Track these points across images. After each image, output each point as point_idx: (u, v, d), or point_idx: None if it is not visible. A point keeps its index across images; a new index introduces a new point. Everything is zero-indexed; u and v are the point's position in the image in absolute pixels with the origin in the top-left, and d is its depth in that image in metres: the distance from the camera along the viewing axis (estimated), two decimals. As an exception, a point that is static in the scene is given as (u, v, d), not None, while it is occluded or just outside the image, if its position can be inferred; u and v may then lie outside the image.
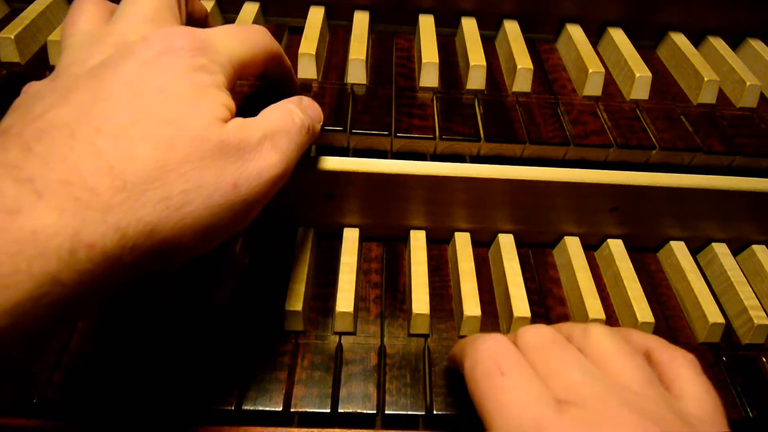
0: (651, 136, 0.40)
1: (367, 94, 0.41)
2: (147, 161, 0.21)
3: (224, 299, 0.36)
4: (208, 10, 0.37)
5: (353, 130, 0.37)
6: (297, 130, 0.27)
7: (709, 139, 0.40)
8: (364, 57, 0.41)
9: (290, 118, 0.27)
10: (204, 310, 0.36)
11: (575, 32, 0.47)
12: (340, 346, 0.36)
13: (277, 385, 0.33)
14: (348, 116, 0.38)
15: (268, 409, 0.32)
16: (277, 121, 0.26)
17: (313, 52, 0.40)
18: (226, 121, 0.24)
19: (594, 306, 0.38)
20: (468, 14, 0.48)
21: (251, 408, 0.32)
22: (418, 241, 0.41)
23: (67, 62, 0.25)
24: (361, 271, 0.41)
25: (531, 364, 0.26)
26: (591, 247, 0.44)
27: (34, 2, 0.44)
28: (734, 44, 0.50)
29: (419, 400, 0.33)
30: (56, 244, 0.18)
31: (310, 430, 0.32)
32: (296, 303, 0.35)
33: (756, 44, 0.49)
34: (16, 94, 0.24)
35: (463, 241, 0.41)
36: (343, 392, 0.33)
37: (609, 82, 0.45)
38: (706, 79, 0.43)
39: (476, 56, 0.42)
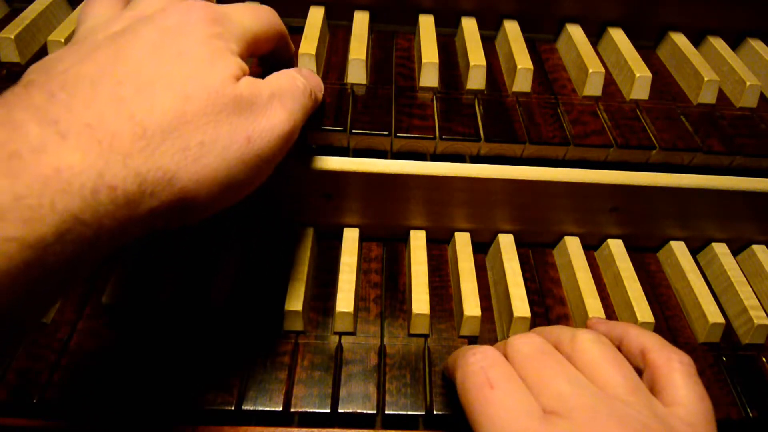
0: (651, 136, 0.40)
1: (367, 94, 0.41)
2: (166, 112, 0.22)
3: (224, 299, 0.36)
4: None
5: (353, 130, 0.37)
6: (301, 93, 0.28)
7: (709, 139, 0.40)
8: (364, 57, 0.41)
9: (294, 81, 0.28)
10: (204, 310, 0.36)
11: (575, 32, 0.47)
12: (340, 346, 0.36)
13: (277, 385, 0.33)
14: (348, 116, 0.38)
15: (268, 409, 0.32)
16: (283, 82, 0.28)
17: (313, 52, 0.40)
18: (238, 79, 0.25)
19: (594, 306, 0.38)
20: (468, 14, 0.48)
21: (251, 408, 0.32)
22: (418, 241, 0.41)
23: (85, 33, 0.26)
24: (361, 271, 0.41)
25: (520, 373, 0.27)
26: (591, 247, 0.44)
27: (34, 2, 0.44)
28: (734, 44, 0.50)
29: (419, 400, 0.33)
30: (80, 184, 0.19)
31: (310, 430, 0.32)
32: (296, 303, 0.35)
33: (756, 44, 0.49)
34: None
35: (463, 241, 0.41)
36: (343, 392, 0.33)
37: (609, 82, 0.45)
38: (706, 79, 0.43)
39: (476, 56, 0.42)
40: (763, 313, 0.38)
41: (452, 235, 0.42)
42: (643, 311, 0.37)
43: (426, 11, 0.48)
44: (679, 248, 0.42)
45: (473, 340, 0.37)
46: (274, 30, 0.30)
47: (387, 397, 0.33)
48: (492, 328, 0.39)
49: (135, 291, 0.36)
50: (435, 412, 0.33)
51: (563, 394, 0.25)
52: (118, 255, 0.38)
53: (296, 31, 0.42)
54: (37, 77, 0.22)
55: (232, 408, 0.32)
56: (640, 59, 0.44)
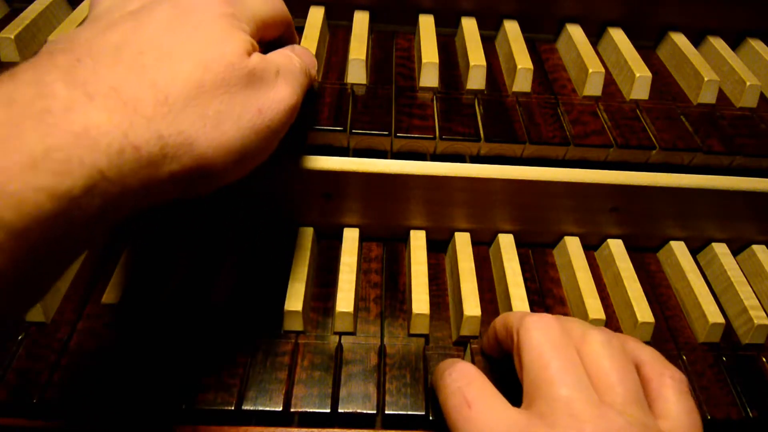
0: (651, 136, 0.40)
1: (367, 94, 0.41)
2: (187, 80, 0.23)
3: (224, 299, 0.36)
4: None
5: (353, 130, 0.37)
6: (298, 71, 0.30)
7: (709, 139, 0.40)
8: (364, 57, 0.41)
9: (291, 60, 0.30)
10: (204, 309, 0.36)
11: (575, 32, 0.47)
12: (340, 346, 0.36)
13: (277, 385, 0.33)
14: (348, 116, 0.38)
15: (268, 409, 0.32)
16: (282, 60, 0.29)
17: (313, 52, 0.40)
18: (250, 54, 0.26)
19: (594, 306, 0.38)
20: (468, 14, 0.48)
21: (251, 408, 0.32)
22: (418, 241, 0.41)
23: (100, 12, 0.26)
24: (361, 271, 0.41)
25: (523, 357, 0.27)
26: (591, 247, 0.44)
27: (34, 2, 0.44)
28: (734, 44, 0.50)
29: (419, 400, 0.33)
30: (107, 142, 0.20)
31: (310, 430, 0.32)
32: (296, 303, 0.35)
33: (756, 44, 0.49)
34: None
35: (463, 241, 0.41)
36: (343, 392, 0.33)
37: (609, 82, 0.45)
38: (706, 79, 0.43)
39: (476, 56, 0.42)
40: (763, 313, 0.38)
41: (452, 235, 0.42)
42: (643, 311, 0.37)
43: (426, 11, 0.48)
44: (679, 248, 0.42)
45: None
46: (282, 17, 0.32)
47: (387, 397, 0.33)
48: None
49: (135, 291, 0.36)
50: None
51: (558, 399, 0.25)
52: (118, 257, 0.38)
53: (296, 31, 0.43)
54: (61, 46, 0.23)
55: (232, 408, 0.32)
56: (640, 59, 0.44)
